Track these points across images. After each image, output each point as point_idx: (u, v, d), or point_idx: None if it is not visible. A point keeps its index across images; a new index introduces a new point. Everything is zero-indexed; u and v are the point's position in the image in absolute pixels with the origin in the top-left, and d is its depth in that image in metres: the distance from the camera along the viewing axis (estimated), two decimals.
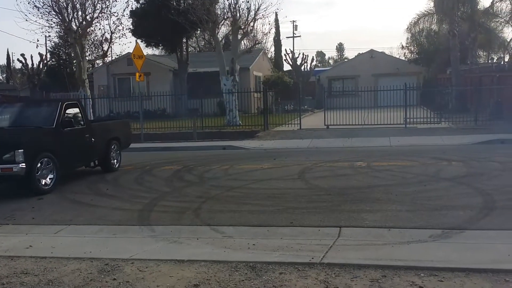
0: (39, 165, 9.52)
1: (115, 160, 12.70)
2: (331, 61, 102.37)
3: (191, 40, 42.40)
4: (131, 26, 31.97)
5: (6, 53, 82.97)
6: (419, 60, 39.91)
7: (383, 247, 5.49)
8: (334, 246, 5.51)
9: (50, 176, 9.84)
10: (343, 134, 18.94)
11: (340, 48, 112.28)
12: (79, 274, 4.84)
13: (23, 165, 9.10)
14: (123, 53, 35.30)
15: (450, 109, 24.12)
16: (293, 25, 64.94)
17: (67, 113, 10.91)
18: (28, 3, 23.77)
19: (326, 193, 8.76)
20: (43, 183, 9.68)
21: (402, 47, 42.38)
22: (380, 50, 43.79)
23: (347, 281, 4.31)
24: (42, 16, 23.86)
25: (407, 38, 41.06)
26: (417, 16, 35.44)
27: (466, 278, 4.33)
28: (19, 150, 9.08)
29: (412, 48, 41.41)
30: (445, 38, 32.14)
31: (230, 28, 26.63)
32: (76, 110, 11.45)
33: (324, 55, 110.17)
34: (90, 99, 25.04)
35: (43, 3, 23.44)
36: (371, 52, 42.17)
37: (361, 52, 47.15)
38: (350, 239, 5.93)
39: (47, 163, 9.76)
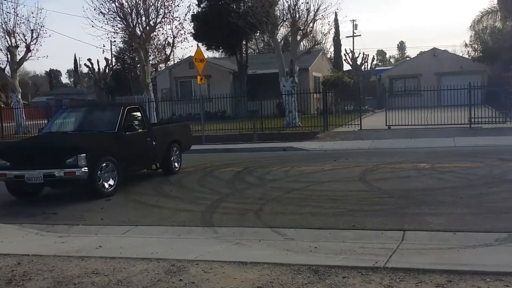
0: (101, 169, 9.81)
1: (176, 163, 12.95)
2: (392, 60, 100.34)
3: (250, 42, 42.76)
4: (192, 30, 32.66)
5: (73, 58, 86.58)
6: (483, 58, 38.43)
7: (448, 251, 5.36)
8: (398, 250, 5.43)
9: (112, 179, 10.14)
10: (405, 135, 18.53)
11: (401, 46, 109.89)
12: (147, 274, 5.00)
13: (85, 169, 9.37)
14: (185, 56, 36.07)
15: None
16: (353, 24, 63.97)
17: (128, 118, 11.27)
18: (94, 9, 24.69)
19: (388, 195, 8.63)
20: (106, 186, 9.99)
21: (466, 45, 41.06)
22: (442, 49, 42.51)
23: (412, 286, 4.25)
24: (107, 22, 24.72)
25: (471, 36, 39.75)
26: (481, 14, 34.24)
27: None
28: (82, 155, 9.38)
29: (476, 46, 39.95)
30: (510, 35, 30.78)
31: (289, 29, 26.67)
32: (138, 114, 11.83)
33: (385, 54, 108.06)
34: (154, 102, 25.73)
35: (108, 9, 24.32)
36: (434, 50, 41.02)
37: (423, 51, 45.95)
38: (414, 243, 5.82)
39: (109, 166, 10.05)
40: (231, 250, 5.93)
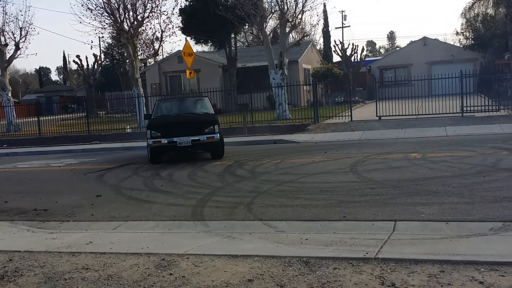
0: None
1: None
2: (382, 50, 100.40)
3: (239, 35, 42.60)
4: (180, 24, 32.51)
5: (62, 55, 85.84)
6: (475, 46, 38.51)
7: (441, 241, 5.34)
8: (389, 241, 5.40)
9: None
10: (396, 125, 18.55)
11: (391, 36, 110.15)
12: (137, 269, 4.96)
13: (218, 135, 13.52)
14: (174, 51, 35.92)
15: (509, 96, 23.12)
16: (342, 15, 64.46)
17: (212, 104, 15.46)
18: (82, 5, 24.57)
19: (379, 186, 8.60)
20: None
21: (457, 33, 41.17)
22: (433, 37, 42.52)
23: (404, 277, 4.22)
24: (95, 18, 24.64)
25: (462, 24, 39.85)
26: (472, 1, 34.19)
27: None
28: (216, 125, 13.58)
29: (468, 34, 40.04)
30: (502, 22, 30.89)
31: (277, 22, 26.56)
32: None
33: (375, 44, 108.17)
34: (143, 98, 25.59)
35: (95, 5, 24.17)
36: (424, 39, 41.03)
37: (413, 40, 45.98)
38: (406, 233, 5.80)
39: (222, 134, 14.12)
40: (222, 243, 5.89)
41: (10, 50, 28.81)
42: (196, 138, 13.18)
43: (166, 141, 13.20)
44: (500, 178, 8.56)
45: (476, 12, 36.23)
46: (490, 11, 35.83)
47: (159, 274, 4.76)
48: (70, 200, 9.48)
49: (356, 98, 34.11)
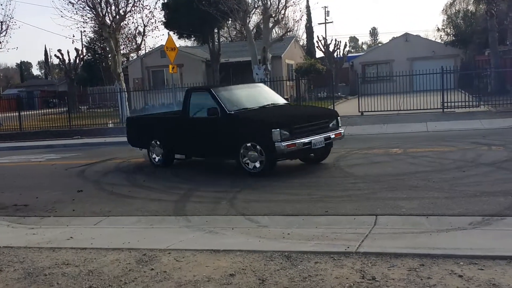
0: None
1: None
2: (364, 47, 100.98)
3: (222, 30, 42.48)
4: (163, 19, 32.27)
5: (44, 49, 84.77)
6: (456, 42, 38.94)
7: (421, 235, 5.40)
8: (370, 235, 5.45)
9: None
10: (378, 121, 18.66)
11: (373, 32, 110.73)
12: (118, 264, 4.93)
13: (342, 128, 10.69)
14: (156, 45, 35.66)
15: (489, 92, 23.42)
16: (325, 11, 64.49)
17: None
18: None
19: (361, 181, 8.67)
20: None
21: (438, 30, 41.53)
22: (415, 34, 42.87)
23: (384, 270, 4.26)
24: (76, 12, 24.30)
25: (443, 20, 40.33)
26: None
27: (508, 266, 4.21)
28: (338, 117, 10.67)
29: (449, 30, 40.45)
30: (483, 18, 31.24)
31: (261, 17, 26.53)
32: None
33: (357, 40, 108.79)
34: (126, 92, 25.38)
35: None
36: (406, 35, 41.30)
37: (395, 36, 46.26)
38: (387, 228, 5.85)
39: None
40: (204, 238, 5.89)
41: None
42: (327, 135, 10.01)
43: (301, 143, 9.46)
44: (479, 173, 8.68)
45: (457, 8, 36.70)
46: (471, 7, 36.29)
47: (140, 269, 4.74)
48: (50, 195, 9.41)
49: (339, 93, 34.23)
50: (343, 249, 4.87)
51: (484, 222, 5.78)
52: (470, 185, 7.72)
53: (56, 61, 48.69)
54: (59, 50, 38.95)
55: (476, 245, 4.89)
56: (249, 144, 9.61)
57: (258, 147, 9.53)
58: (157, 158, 11.74)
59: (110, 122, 24.36)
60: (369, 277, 4.13)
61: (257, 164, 9.61)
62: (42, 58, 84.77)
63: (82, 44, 47.12)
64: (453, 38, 39.69)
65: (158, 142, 11.64)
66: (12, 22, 28.29)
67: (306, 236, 5.55)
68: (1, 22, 27.80)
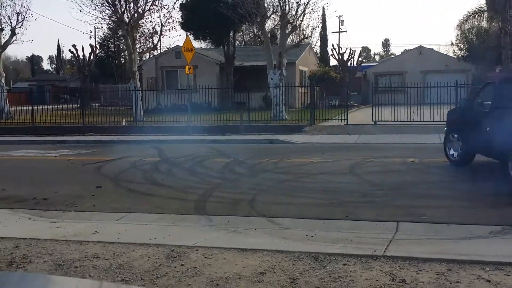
0: None
1: None
2: (376, 57, 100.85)
3: (237, 33, 42.65)
4: (180, 19, 32.47)
5: (57, 44, 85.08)
6: (468, 57, 38.99)
7: (444, 242, 5.48)
8: (394, 240, 5.52)
9: None
10: (392, 130, 18.70)
11: (386, 44, 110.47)
12: (148, 259, 5.01)
13: None
14: (172, 46, 35.87)
15: None
16: (339, 20, 64.25)
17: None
18: None
19: (379, 188, 8.72)
20: None
21: (452, 44, 41.67)
22: (428, 47, 42.92)
23: (413, 274, 4.33)
24: (95, 7, 24.48)
25: (457, 35, 40.35)
26: (468, 13, 34.67)
27: None
28: None
29: (462, 45, 40.50)
30: (496, 35, 31.35)
31: (277, 22, 26.70)
32: None
33: (370, 50, 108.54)
34: (140, 91, 25.54)
35: None
36: (420, 48, 41.35)
37: (407, 48, 46.35)
38: (409, 234, 5.92)
39: None
40: (228, 237, 5.96)
41: (5, 35, 28.21)
42: None
43: None
44: (492, 183, 8.69)
45: (471, 24, 36.77)
46: (484, 24, 36.37)
47: (171, 265, 4.82)
48: (69, 190, 9.45)
49: (351, 102, 34.30)
50: (370, 253, 4.94)
51: (504, 231, 5.84)
52: (489, 195, 7.78)
53: (68, 56, 48.97)
54: (74, 45, 39.13)
55: (500, 252, 4.96)
56: None
57: None
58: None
59: (124, 120, 24.52)
60: (399, 279, 4.21)
61: None
62: (53, 52, 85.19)
63: (95, 40, 47.44)
64: (466, 53, 39.77)
65: None
66: (28, 14, 28.19)
67: (331, 239, 5.62)
68: (18, 13, 27.64)
